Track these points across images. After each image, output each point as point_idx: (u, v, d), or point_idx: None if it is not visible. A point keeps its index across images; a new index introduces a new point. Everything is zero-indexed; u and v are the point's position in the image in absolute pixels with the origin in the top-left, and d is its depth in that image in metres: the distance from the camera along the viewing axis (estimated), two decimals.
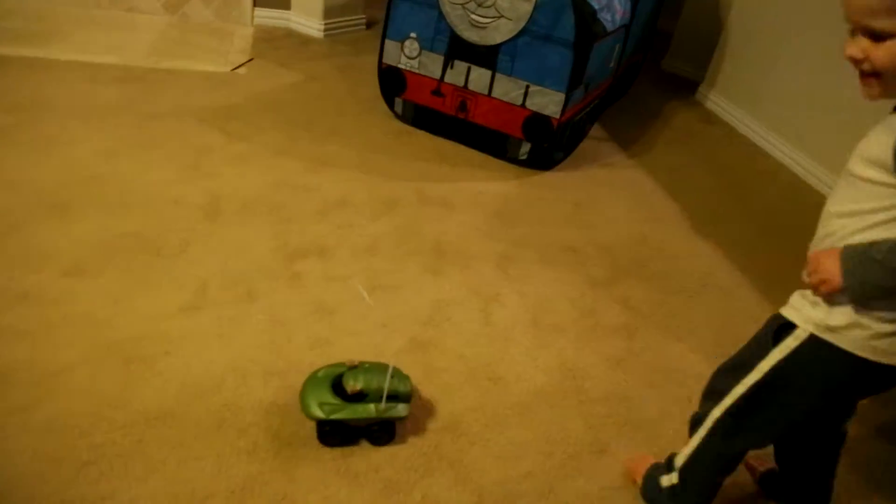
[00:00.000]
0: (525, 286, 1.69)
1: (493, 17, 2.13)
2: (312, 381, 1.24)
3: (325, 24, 3.19)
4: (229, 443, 1.20)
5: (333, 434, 1.23)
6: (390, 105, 2.43)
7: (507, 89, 2.17)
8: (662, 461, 1.20)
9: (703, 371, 1.54)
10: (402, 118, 2.42)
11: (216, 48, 2.86)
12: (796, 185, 2.57)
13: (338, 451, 1.22)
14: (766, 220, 2.26)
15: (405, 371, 1.27)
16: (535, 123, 2.16)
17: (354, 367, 1.23)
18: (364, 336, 1.48)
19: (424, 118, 2.37)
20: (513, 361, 1.47)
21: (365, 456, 1.22)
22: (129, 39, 2.80)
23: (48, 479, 1.09)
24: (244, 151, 2.10)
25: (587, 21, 2.09)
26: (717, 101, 3.15)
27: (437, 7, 2.20)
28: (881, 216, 0.82)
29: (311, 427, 1.24)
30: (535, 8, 2.06)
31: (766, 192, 2.47)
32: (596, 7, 2.20)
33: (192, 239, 1.69)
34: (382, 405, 1.20)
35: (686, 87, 3.34)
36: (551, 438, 1.33)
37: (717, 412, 1.03)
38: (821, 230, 0.93)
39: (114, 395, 1.25)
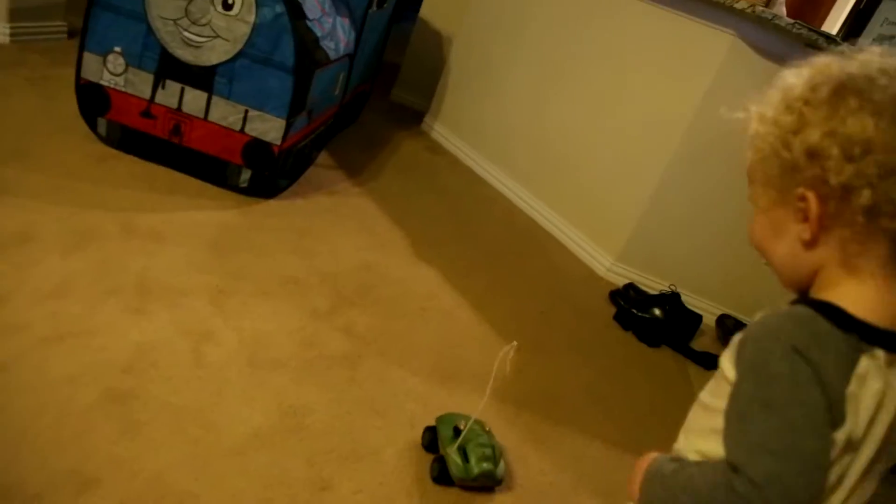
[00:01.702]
0: (242, 321, 1.60)
1: (209, 37, 2.02)
2: (451, 416, 1.42)
3: (12, 27, 2.77)
4: None
5: (431, 446, 1.42)
6: (92, 126, 2.17)
7: (226, 113, 2.06)
8: None
9: (423, 392, 1.58)
10: (107, 141, 2.17)
11: None
12: (511, 210, 2.82)
13: None
14: (483, 243, 2.43)
15: None
16: (256, 150, 2.08)
17: (485, 431, 1.39)
18: (46, 392, 1.27)
19: (133, 141, 2.15)
20: (227, 405, 1.37)
21: None
22: None
23: None
24: None
25: (308, 47, 2.07)
26: (441, 131, 3.34)
27: (146, 20, 2.02)
28: (717, 420, 0.67)
29: None
30: (253, 30, 1.99)
31: (484, 217, 2.67)
32: (318, 34, 2.19)
33: None
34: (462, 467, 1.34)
35: (413, 118, 3.50)
36: (270, 483, 1.25)
37: None
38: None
39: None
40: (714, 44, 2.23)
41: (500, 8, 3.05)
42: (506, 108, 3.00)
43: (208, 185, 2.13)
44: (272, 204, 2.17)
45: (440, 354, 1.75)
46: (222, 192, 2.13)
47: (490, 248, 2.42)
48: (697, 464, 0.70)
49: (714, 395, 0.71)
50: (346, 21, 2.46)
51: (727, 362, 0.68)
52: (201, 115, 2.07)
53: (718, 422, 0.67)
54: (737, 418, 0.64)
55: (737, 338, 0.69)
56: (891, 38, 5.72)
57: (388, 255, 2.12)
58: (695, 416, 0.76)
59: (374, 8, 2.64)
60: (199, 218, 1.95)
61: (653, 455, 0.77)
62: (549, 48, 2.82)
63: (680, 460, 0.72)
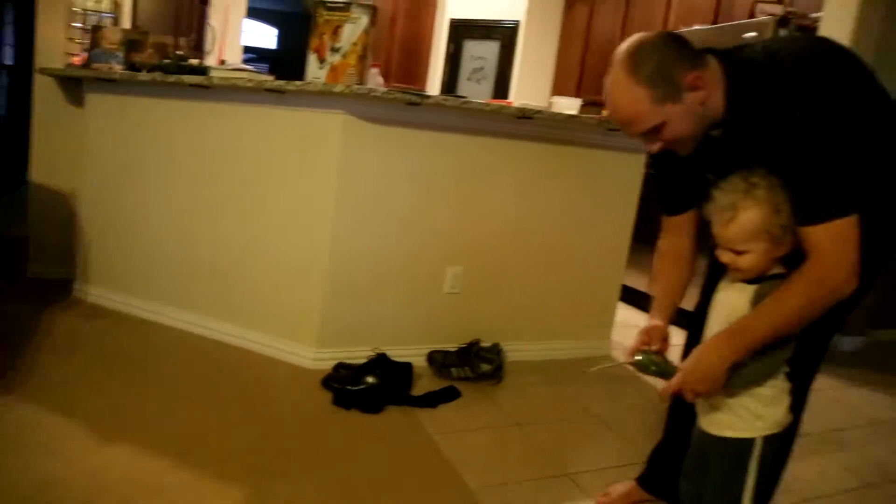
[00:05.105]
0: None
1: None
2: None
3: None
4: None
5: None
6: None
7: None
8: None
9: None
10: None
11: None
12: (197, 344, 2.68)
13: None
14: (180, 392, 2.25)
15: None
16: None
17: None
18: None
19: None
20: None
21: None
22: None
23: None
24: None
25: None
26: (97, 292, 3.06)
27: None
28: None
29: None
30: None
31: (171, 363, 2.49)
32: None
33: None
34: None
35: (61, 288, 3.16)
36: None
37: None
38: None
39: None
40: (329, 125, 2.41)
41: (122, 153, 2.93)
42: (158, 245, 2.87)
43: None
44: None
45: None
46: None
47: (189, 393, 2.26)
48: None
49: None
50: None
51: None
52: None
53: None
54: None
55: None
56: (480, 69, 6.73)
57: (65, 454, 1.85)
58: None
59: None
60: None
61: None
62: (181, 176, 2.78)
63: None
